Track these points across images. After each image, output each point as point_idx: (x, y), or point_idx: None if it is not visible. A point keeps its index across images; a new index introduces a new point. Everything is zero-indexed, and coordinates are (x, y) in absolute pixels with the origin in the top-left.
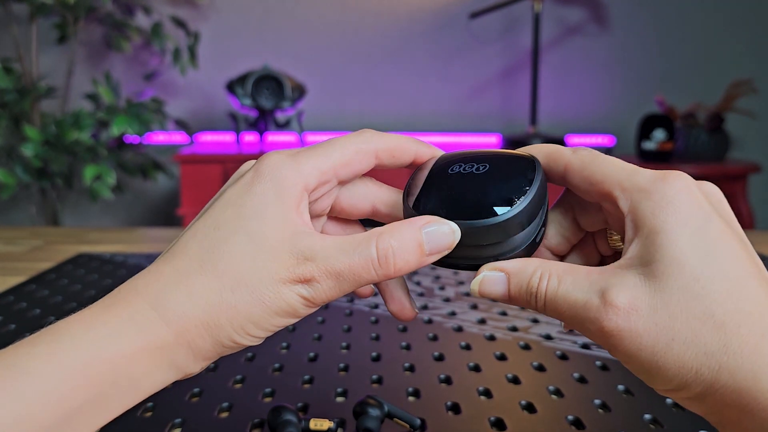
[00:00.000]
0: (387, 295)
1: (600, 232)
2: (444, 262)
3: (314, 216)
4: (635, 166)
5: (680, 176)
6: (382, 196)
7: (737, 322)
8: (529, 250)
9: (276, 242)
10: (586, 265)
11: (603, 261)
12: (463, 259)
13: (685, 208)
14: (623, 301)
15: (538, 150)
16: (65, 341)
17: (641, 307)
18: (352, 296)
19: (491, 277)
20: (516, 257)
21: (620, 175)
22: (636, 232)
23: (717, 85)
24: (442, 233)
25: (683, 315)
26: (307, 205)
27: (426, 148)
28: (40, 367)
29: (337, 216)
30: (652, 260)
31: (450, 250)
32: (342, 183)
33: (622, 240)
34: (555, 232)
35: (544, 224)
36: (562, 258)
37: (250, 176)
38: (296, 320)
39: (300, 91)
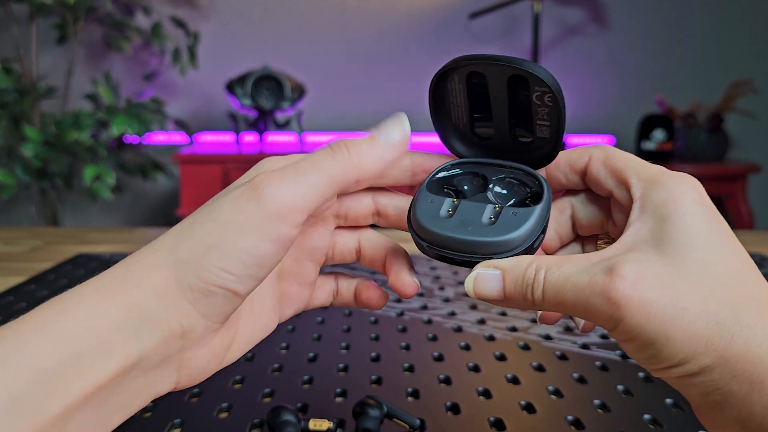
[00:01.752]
0: (389, 270)
1: (590, 238)
2: (440, 254)
3: (318, 222)
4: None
5: (689, 176)
6: (384, 199)
7: (748, 301)
8: (526, 251)
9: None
10: None
11: None
12: (459, 252)
13: (694, 203)
14: (631, 273)
15: (567, 151)
16: (46, 310)
17: (650, 279)
18: None
19: (485, 275)
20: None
21: (637, 165)
22: (642, 216)
23: (717, 85)
24: (392, 122)
25: (694, 289)
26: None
27: (421, 156)
28: (22, 334)
29: (344, 225)
30: (662, 242)
31: (405, 142)
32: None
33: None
34: (550, 228)
35: (543, 231)
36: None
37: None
38: (270, 247)
39: (300, 91)
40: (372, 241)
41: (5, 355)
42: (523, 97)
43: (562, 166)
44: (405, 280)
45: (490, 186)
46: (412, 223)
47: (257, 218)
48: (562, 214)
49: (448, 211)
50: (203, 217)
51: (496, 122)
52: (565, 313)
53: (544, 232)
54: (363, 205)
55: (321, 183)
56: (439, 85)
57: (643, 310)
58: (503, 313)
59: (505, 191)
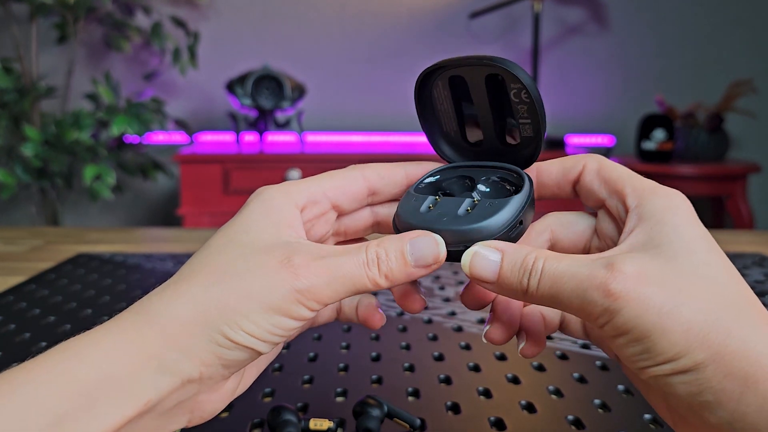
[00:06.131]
0: (397, 291)
1: None
2: None
3: (316, 240)
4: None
5: (679, 191)
6: (382, 209)
7: (744, 303)
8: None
9: (265, 244)
10: None
11: None
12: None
13: (688, 214)
14: (631, 269)
15: (560, 159)
16: (58, 354)
17: (650, 275)
18: None
19: (483, 252)
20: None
21: (632, 176)
22: (640, 223)
23: (717, 85)
24: (426, 244)
25: (693, 287)
26: (300, 222)
27: (416, 166)
28: (37, 377)
29: (344, 240)
30: (662, 244)
31: (437, 264)
32: (340, 212)
33: None
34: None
35: (522, 223)
36: None
37: (242, 206)
38: (294, 323)
39: (300, 91)
40: None
41: (20, 398)
42: (503, 97)
43: (555, 174)
44: (413, 298)
45: (477, 186)
46: (395, 220)
47: (288, 301)
48: (540, 235)
49: (429, 207)
50: (235, 282)
51: (483, 125)
52: (555, 306)
53: (522, 223)
54: (362, 219)
55: (345, 290)
56: (422, 95)
57: (641, 303)
58: None
59: (488, 189)
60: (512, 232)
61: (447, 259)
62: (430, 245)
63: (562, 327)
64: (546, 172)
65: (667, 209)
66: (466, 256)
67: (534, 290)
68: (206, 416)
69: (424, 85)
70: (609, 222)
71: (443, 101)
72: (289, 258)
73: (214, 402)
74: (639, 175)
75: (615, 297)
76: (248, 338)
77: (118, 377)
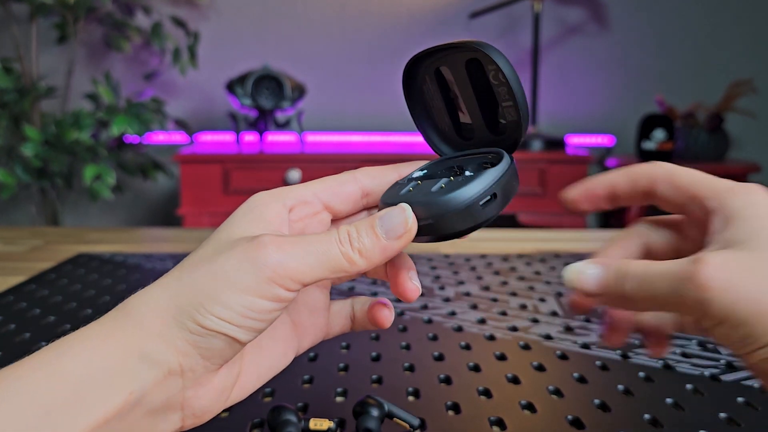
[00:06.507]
0: (390, 276)
1: None
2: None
3: None
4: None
5: (758, 185)
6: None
7: None
8: (471, 211)
9: (242, 234)
10: None
11: None
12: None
13: None
14: (717, 259)
15: (625, 170)
16: (48, 352)
17: (737, 265)
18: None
19: (583, 268)
20: (455, 216)
21: (705, 179)
22: (723, 225)
23: (717, 85)
24: (394, 215)
25: None
26: (286, 220)
27: (408, 167)
28: (26, 374)
29: None
30: (745, 239)
31: (408, 234)
32: (335, 215)
33: None
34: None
35: (496, 197)
36: None
37: None
38: (269, 305)
39: (300, 91)
40: None
41: (11, 393)
42: (485, 83)
43: (623, 187)
44: (406, 286)
45: (464, 172)
46: (378, 206)
47: (258, 279)
48: (632, 245)
49: (409, 190)
50: (205, 267)
51: (471, 116)
52: (656, 308)
53: (497, 197)
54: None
55: (320, 267)
56: (411, 95)
57: (730, 290)
58: (503, 313)
59: (471, 173)
60: (485, 206)
61: (421, 234)
62: (399, 216)
63: (680, 327)
64: (615, 185)
65: (748, 206)
66: (571, 274)
67: (632, 293)
68: (199, 414)
69: (412, 85)
70: (694, 227)
71: (433, 97)
72: (259, 238)
73: (203, 398)
74: (714, 177)
75: (705, 287)
76: (220, 323)
77: (103, 371)
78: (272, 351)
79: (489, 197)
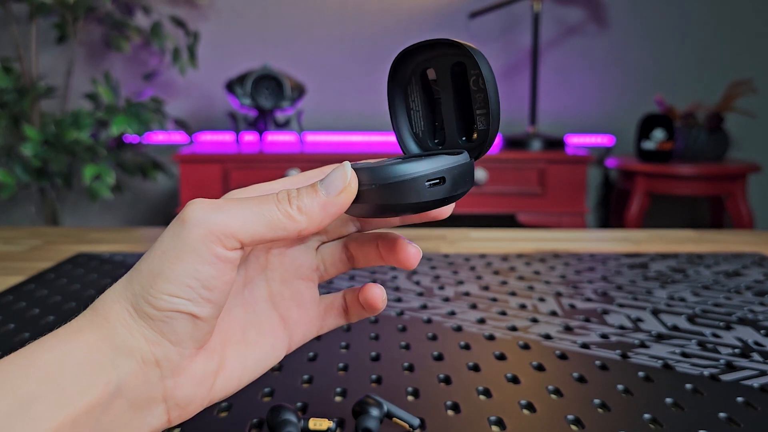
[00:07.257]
0: (385, 249)
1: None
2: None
3: (293, 243)
4: None
5: None
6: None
7: None
8: (415, 186)
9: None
10: None
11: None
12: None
13: None
14: None
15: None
16: (29, 348)
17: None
18: None
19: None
20: (399, 186)
21: None
22: None
23: (717, 85)
24: (335, 173)
25: None
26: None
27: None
28: (8, 367)
29: (328, 240)
30: None
31: (348, 192)
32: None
33: None
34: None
35: (444, 181)
36: None
37: None
38: (212, 269)
39: (299, 91)
40: (359, 240)
41: None
42: (466, 89)
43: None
44: (407, 250)
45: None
46: None
47: (191, 241)
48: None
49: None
50: (150, 249)
51: (446, 120)
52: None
53: (444, 182)
54: (342, 217)
55: (258, 223)
56: (395, 91)
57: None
58: (503, 313)
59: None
60: (432, 187)
61: (363, 201)
62: (339, 173)
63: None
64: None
65: None
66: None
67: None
68: (183, 405)
69: (397, 82)
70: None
71: (415, 98)
72: (188, 203)
73: (184, 387)
74: None
75: None
76: (171, 299)
77: (78, 363)
78: (259, 344)
79: (437, 180)
